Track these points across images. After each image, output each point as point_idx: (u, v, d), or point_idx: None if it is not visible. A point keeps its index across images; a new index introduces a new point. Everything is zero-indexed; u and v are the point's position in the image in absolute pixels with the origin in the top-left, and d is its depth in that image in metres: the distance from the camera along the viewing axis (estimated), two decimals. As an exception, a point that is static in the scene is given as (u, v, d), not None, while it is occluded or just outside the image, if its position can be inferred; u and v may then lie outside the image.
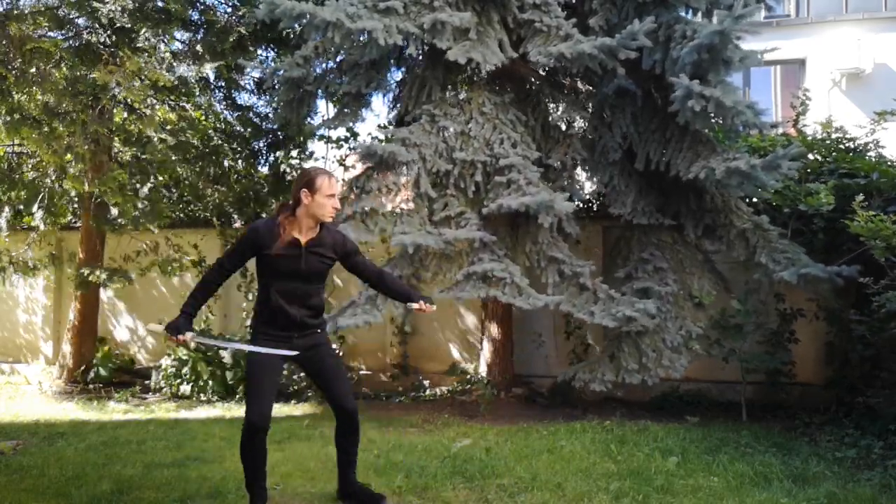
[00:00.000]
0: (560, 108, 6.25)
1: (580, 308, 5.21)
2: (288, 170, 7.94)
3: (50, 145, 5.98)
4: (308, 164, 8.29)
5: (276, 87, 6.03)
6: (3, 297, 8.44)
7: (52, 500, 3.46)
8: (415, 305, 3.25)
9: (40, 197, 6.99)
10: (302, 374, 6.96)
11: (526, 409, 5.92)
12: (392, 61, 6.14)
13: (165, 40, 6.92)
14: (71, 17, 6.56)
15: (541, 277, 5.40)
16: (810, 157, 5.87)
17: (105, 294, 7.93)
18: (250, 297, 7.55)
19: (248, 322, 3.24)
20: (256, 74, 7.52)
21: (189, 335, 3.00)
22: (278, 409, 6.13)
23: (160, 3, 6.48)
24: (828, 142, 6.02)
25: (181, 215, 7.76)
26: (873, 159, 5.76)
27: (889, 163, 5.68)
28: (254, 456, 3.07)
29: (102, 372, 7.33)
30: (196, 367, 6.67)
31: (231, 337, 7.20)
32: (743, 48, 4.94)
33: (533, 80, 6.19)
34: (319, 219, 3.06)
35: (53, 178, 6.89)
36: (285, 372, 7.12)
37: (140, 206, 6.87)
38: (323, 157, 8.07)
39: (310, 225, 3.07)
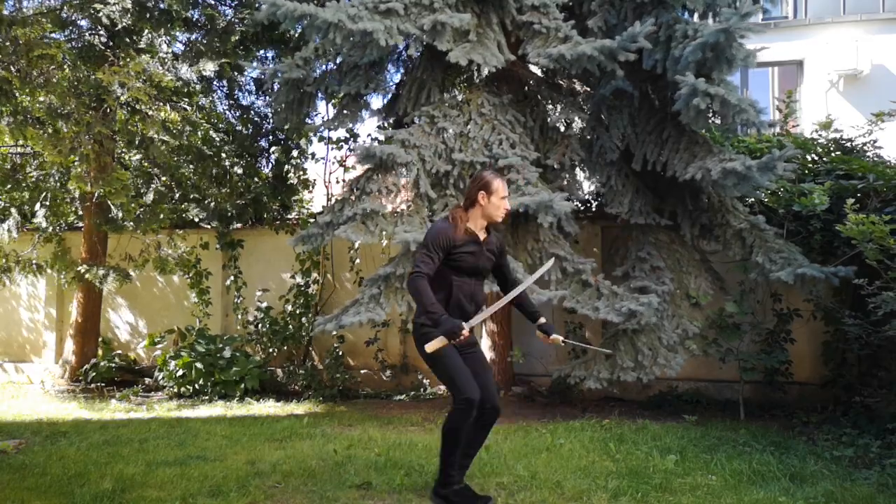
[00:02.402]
0: (558, 109, 6.28)
1: (584, 304, 5.23)
2: (291, 171, 7.98)
3: (55, 146, 6.02)
4: (309, 166, 8.35)
5: (276, 88, 6.06)
6: (7, 297, 8.47)
7: (55, 498, 3.48)
8: (553, 338, 3.30)
9: (43, 197, 7.03)
10: (301, 373, 6.99)
11: (525, 407, 5.94)
12: (391, 63, 6.17)
13: (167, 41, 6.95)
14: (73, 18, 6.60)
15: (543, 275, 5.41)
16: (807, 157, 5.90)
17: (108, 294, 7.96)
18: (242, 297, 7.60)
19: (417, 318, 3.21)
20: (257, 74, 7.55)
21: (466, 327, 3.03)
22: (279, 408, 6.17)
23: (162, 5, 6.52)
24: (823, 142, 6.05)
25: (182, 216, 7.79)
26: (871, 160, 5.79)
27: (886, 164, 5.70)
28: (462, 431, 3.13)
29: (104, 371, 7.36)
30: (193, 367, 6.70)
31: (247, 337, 7.27)
32: (745, 47, 4.97)
33: (531, 81, 6.22)
34: (491, 219, 3.23)
35: (56, 178, 6.92)
36: (281, 371, 7.19)
37: (142, 206, 6.90)
38: (323, 158, 8.09)
39: (482, 225, 3.24)
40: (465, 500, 3.23)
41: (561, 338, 3.36)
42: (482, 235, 3.25)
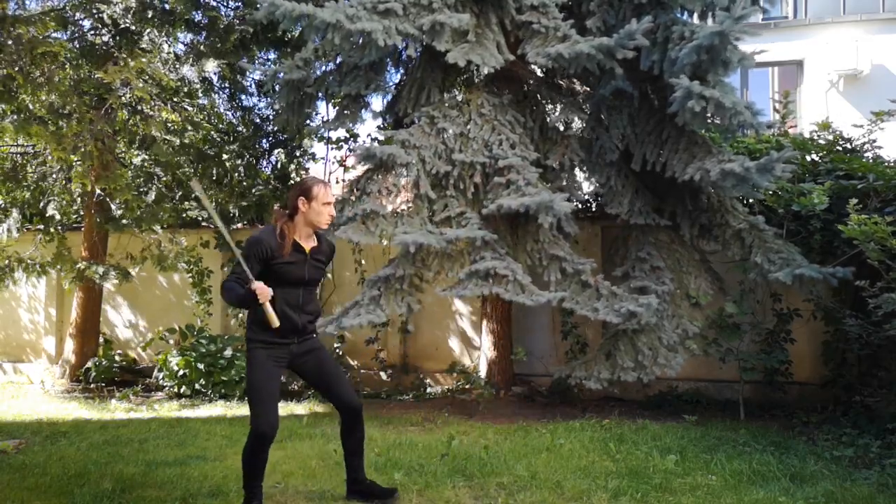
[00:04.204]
0: (558, 109, 6.27)
1: (583, 305, 5.22)
2: (293, 172, 7.99)
3: (59, 143, 6.02)
4: (310, 166, 8.35)
5: (277, 89, 6.06)
6: (6, 297, 8.47)
7: (55, 498, 3.48)
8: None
9: (45, 196, 7.03)
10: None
11: (525, 407, 5.94)
12: (391, 63, 6.17)
13: (169, 41, 6.95)
14: (76, 18, 6.61)
15: (542, 275, 5.42)
16: (808, 157, 5.89)
17: (108, 293, 7.96)
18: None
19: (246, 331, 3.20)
20: (258, 76, 7.57)
21: (257, 284, 2.95)
22: (279, 408, 6.16)
23: (165, 5, 6.53)
24: (822, 142, 6.04)
25: (183, 216, 7.80)
26: (870, 160, 5.79)
27: (886, 163, 5.70)
28: (258, 462, 3.12)
29: (105, 371, 7.36)
30: (193, 367, 6.69)
31: (232, 336, 7.26)
32: (741, 49, 4.97)
33: (531, 81, 6.22)
34: (316, 226, 3.15)
35: (57, 177, 6.93)
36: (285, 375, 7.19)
37: (142, 205, 6.90)
38: (323, 158, 8.10)
39: (308, 232, 3.16)
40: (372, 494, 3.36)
41: None
42: (311, 243, 3.15)
